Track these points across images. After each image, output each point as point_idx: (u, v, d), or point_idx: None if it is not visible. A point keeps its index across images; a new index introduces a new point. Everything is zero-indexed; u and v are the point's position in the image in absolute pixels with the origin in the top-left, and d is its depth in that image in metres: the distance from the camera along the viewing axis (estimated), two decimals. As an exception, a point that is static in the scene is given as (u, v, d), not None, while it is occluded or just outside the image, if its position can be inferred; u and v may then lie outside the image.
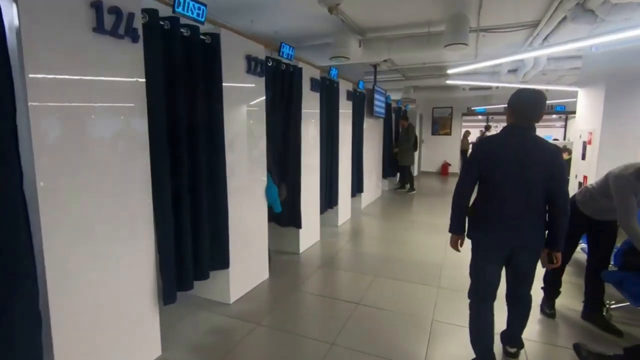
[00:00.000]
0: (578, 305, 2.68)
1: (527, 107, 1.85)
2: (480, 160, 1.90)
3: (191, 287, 2.35)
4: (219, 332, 2.44)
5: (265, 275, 3.30)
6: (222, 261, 2.67)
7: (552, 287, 2.73)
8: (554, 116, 10.56)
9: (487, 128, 11.42)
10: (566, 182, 1.88)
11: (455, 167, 10.94)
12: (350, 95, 5.24)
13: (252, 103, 2.95)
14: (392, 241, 4.57)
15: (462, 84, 5.88)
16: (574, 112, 5.19)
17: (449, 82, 5.71)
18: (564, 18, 3.88)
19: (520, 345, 2.16)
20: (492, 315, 2.00)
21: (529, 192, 1.81)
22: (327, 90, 4.47)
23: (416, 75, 7.90)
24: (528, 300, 2.04)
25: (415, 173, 10.49)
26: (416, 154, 10.40)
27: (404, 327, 2.52)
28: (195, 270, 2.42)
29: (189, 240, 2.31)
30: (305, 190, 3.93)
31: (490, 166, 1.86)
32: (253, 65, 2.88)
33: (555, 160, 1.80)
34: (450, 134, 11.12)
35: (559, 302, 2.75)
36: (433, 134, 11.32)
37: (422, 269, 3.55)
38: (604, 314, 2.56)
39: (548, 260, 1.91)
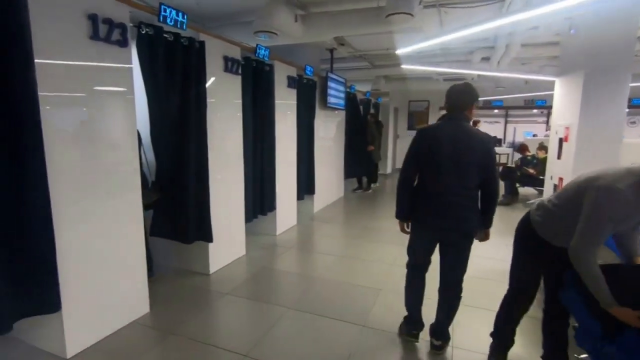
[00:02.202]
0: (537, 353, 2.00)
1: (454, 98, 1.98)
2: (421, 148, 2.01)
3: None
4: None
5: (144, 309, 2.55)
6: (47, 303, 1.91)
7: (502, 337, 2.03)
8: (535, 111, 9.94)
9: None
10: (496, 168, 1.99)
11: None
12: (294, 82, 4.46)
13: (104, 81, 2.17)
14: (332, 255, 3.83)
15: (425, 70, 5.18)
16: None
17: (404, 66, 4.99)
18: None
19: (446, 338, 2.16)
20: (424, 282, 2.18)
21: (463, 178, 1.92)
22: (255, 74, 3.69)
23: (384, 63, 7.17)
24: (457, 286, 2.08)
25: (389, 170, 9.82)
26: (390, 149, 9.77)
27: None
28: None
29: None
30: (219, 195, 3.17)
31: (430, 154, 1.97)
32: (103, 29, 2.09)
33: (486, 148, 1.93)
34: (428, 129, 10.40)
35: (514, 350, 2.07)
36: (409, 128, 10.63)
37: (354, 296, 2.84)
38: (568, 373, 1.88)
39: (481, 237, 2.08)
